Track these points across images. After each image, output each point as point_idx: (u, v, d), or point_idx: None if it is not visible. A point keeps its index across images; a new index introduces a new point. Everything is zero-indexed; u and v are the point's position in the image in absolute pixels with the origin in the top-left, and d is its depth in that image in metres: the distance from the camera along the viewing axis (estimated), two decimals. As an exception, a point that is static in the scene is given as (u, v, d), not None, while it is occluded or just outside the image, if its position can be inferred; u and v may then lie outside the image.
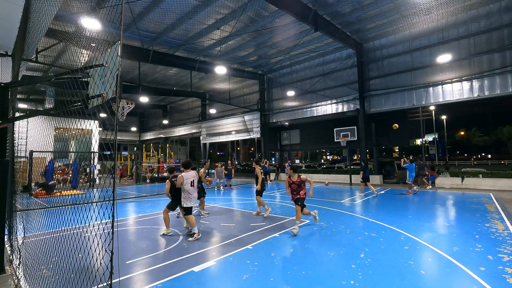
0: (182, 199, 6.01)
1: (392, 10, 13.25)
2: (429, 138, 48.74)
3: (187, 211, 6.03)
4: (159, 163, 25.12)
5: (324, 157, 62.69)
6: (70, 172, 17.23)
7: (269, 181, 18.99)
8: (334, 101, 18.74)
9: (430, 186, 13.60)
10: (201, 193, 8.23)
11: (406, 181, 12.50)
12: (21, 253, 4.52)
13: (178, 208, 6.92)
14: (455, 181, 14.50)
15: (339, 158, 55.94)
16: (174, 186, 6.30)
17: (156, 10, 12.41)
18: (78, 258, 4.35)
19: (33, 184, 14.37)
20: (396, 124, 12.67)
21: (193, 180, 6.10)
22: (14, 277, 3.94)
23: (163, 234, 6.38)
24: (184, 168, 6.19)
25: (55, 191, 13.47)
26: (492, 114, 56.34)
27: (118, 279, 3.87)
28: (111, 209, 1.84)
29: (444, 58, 13.79)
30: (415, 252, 4.96)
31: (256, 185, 8.20)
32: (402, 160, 12.66)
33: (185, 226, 6.85)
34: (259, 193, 8.18)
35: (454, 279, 3.88)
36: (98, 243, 2.29)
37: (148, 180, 22.03)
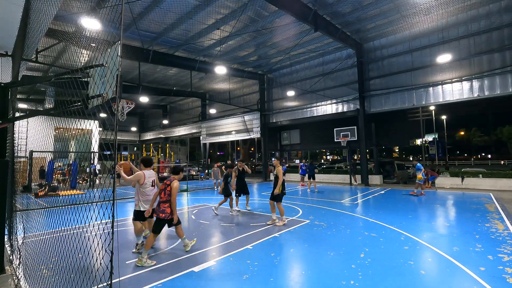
0: (138, 201, 5.15)
1: (392, 10, 13.24)
2: (429, 138, 48.73)
3: (140, 216, 5.13)
4: (159, 163, 25.13)
5: (324, 157, 62.69)
6: (68, 172, 17.26)
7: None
8: (334, 101, 18.74)
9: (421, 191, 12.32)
10: (246, 191, 9.08)
11: (417, 181, 11.99)
12: (21, 253, 4.51)
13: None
14: (455, 181, 14.50)
15: (339, 158, 55.96)
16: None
17: (156, 10, 12.41)
18: (78, 258, 4.35)
19: (33, 184, 14.39)
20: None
21: (154, 180, 5.33)
22: (14, 277, 3.94)
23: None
24: (144, 166, 5.36)
25: (57, 191, 13.48)
26: (492, 114, 56.27)
27: (118, 279, 3.87)
28: (111, 209, 1.84)
29: (444, 58, 13.78)
30: (415, 252, 4.96)
31: (274, 188, 7.02)
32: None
33: (144, 236, 5.52)
34: (278, 198, 6.99)
35: (454, 279, 3.88)
36: (98, 243, 2.29)
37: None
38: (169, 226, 5.02)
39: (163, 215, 4.77)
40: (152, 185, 5.27)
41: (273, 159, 7.49)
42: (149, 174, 5.27)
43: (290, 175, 21.29)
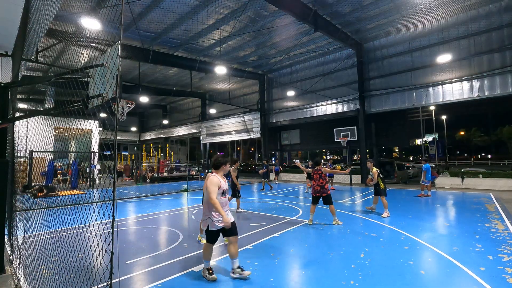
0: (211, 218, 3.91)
1: (392, 10, 13.25)
2: (429, 138, 48.73)
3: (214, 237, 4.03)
4: (159, 163, 25.14)
5: (324, 157, 62.68)
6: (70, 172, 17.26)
7: (276, 181, 19.01)
8: (334, 101, 18.74)
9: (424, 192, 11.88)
10: (235, 194, 8.72)
11: (421, 182, 11.45)
12: (21, 253, 4.51)
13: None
14: (455, 181, 14.49)
15: (339, 158, 55.96)
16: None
17: (156, 10, 12.41)
18: (78, 258, 4.35)
19: (33, 184, 14.37)
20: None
21: (227, 189, 4.14)
22: (14, 277, 3.94)
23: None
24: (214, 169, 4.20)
25: (56, 191, 13.47)
26: (492, 114, 56.18)
27: (118, 279, 3.87)
28: (111, 209, 1.84)
29: (444, 58, 13.78)
30: (415, 252, 4.96)
31: (377, 185, 8.14)
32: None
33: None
34: (383, 192, 8.11)
35: (454, 279, 3.88)
36: (98, 243, 2.29)
37: (148, 180, 22.04)
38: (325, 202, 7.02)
39: (329, 191, 7.10)
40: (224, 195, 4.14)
41: (368, 161, 8.67)
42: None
43: (290, 175, 21.28)
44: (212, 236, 3.98)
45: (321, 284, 3.80)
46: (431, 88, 14.96)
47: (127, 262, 4.67)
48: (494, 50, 13.12)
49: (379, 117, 17.32)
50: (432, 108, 28.96)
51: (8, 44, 5.35)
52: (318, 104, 19.59)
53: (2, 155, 4.14)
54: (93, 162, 18.77)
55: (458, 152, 59.27)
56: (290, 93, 19.97)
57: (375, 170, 8.15)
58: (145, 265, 4.55)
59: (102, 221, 2.10)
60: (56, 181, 16.70)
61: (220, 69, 17.13)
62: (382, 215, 7.88)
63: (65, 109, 2.99)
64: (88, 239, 2.81)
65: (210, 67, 18.47)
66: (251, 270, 4.28)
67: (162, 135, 34.25)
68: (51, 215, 7.02)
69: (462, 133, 58.96)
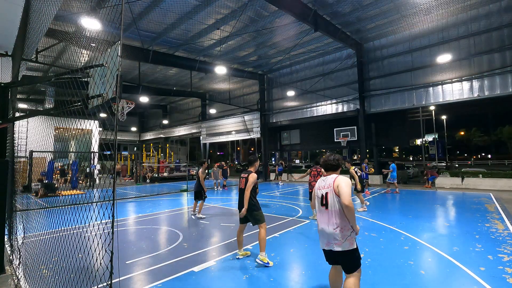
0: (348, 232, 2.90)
1: (392, 10, 13.25)
2: (429, 138, 48.69)
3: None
4: (159, 163, 25.16)
5: (324, 157, 62.62)
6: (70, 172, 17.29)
7: (280, 182, 18.82)
8: (334, 101, 18.74)
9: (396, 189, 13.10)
10: (200, 196, 8.27)
11: (387, 180, 12.86)
12: (21, 253, 4.51)
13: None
14: (455, 181, 14.49)
15: (339, 158, 55.83)
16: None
17: (156, 10, 12.41)
18: (78, 258, 4.35)
19: (33, 184, 14.38)
20: None
21: (326, 193, 2.97)
22: (14, 277, 3.94)
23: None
24: (328, 170, 3.22)
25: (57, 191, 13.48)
26: (492, 114, 56.13)
27: (118, 279, 3.87)
28: (111, 209, 1.84)
29: (444, 58, 13.78)
30: (415, 252, 4.96)
31: (355, 185, 8.53)
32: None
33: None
34: (361, 190, 8.80)
35: (454, 279, 3.88)
36: (98, 243, 2.29)
37: (148, 180, 22.04)
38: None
39: None
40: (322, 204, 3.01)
41: (345, 162, 8.97)
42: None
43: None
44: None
45: (321, 284, 3.80)
46: (431, 88, 14.96)
47: (127, 262, 4.67)
48: (494, 50, 13.11)
49: (379, 117, 17.32)
50: (432, 108, 28.93)
51: (8, 44, 5.35)
52: (318, 104, 19.58)
53: (2, 155, 4.14)
54: (93, 162, 18.77)
55: (458, 152, 59.24)
56: (290, 93, 19.97)
57: (352, 169, 8.78)
58: (145, 265, 4.55)
59: (102, 221, 2.10)
60: (55, 181, 16.69)
61: (220, 69, 17.12)
62: (359, 209, 8.43)
63: (65, 109, 2.99)
64: (88, 239, 2.81)
65: (210, 67, 18.47)
66: (251, 270, 4.28)
67: (162, 135, 34.24)
68: (51, 215, 7.02)
69: (462, 133, 58.93)
